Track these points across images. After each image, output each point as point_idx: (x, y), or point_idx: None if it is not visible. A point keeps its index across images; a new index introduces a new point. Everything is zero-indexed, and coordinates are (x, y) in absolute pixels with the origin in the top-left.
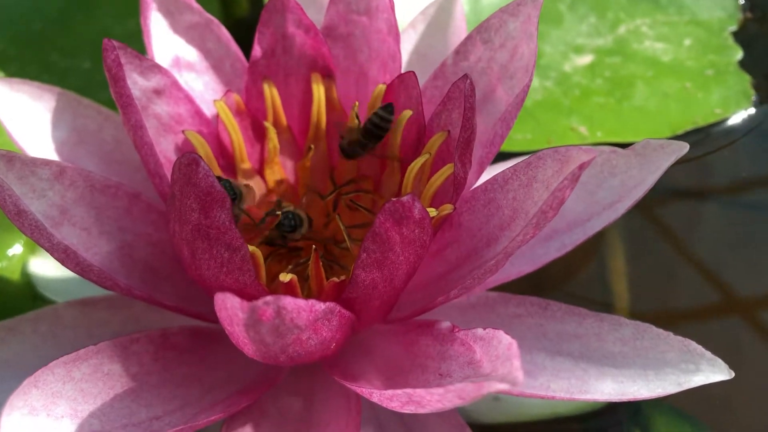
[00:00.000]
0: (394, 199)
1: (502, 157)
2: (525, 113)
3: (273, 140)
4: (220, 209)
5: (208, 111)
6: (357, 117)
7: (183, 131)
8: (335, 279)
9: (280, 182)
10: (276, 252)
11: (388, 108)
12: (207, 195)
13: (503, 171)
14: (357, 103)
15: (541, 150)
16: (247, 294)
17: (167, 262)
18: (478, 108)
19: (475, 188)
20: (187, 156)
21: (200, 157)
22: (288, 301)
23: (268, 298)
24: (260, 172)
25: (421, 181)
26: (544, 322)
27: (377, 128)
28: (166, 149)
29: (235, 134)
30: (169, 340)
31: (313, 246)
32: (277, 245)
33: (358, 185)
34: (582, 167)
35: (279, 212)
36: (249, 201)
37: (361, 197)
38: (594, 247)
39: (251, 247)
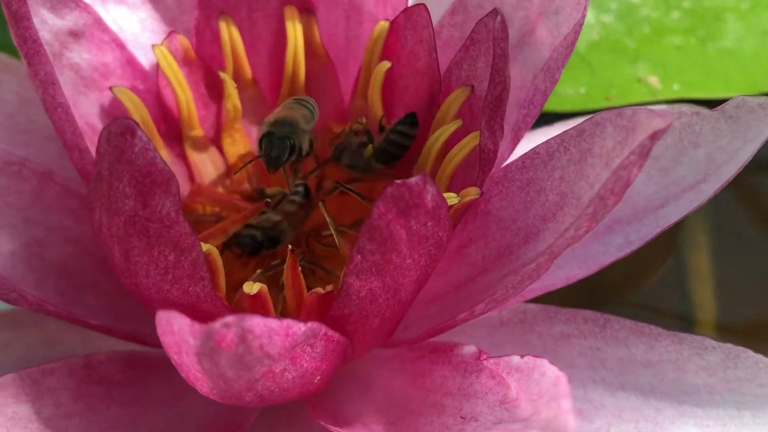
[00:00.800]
0: (398, 181)
1: (545, 120)
2: (576, 59)
3: (233, 98)
4: (164, 195)
5: (145, 60)
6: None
7: (110, 88)
8: (319, 290)
9: (244, 156)
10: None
11: (411, 120)
12: (146, 175)
13: (547, 141)
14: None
15: (599, 112)
16: (200, 311)
17: (91, 266)
18: (513, 54)
19: (509, 164)
20: (118, 123)
21: (136, 123)
22: (256, 322)
23: (229, 318)
24: (216, 141)
25: (435, 155)
26: (603, 346)
27: (397, 148)
28: (87, 112)
29: (182, 91)
30: (95, 371)
31: (289, 245)
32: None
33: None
34: (654, 137)
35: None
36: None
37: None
38: (670, 242)
39: (205, 246)
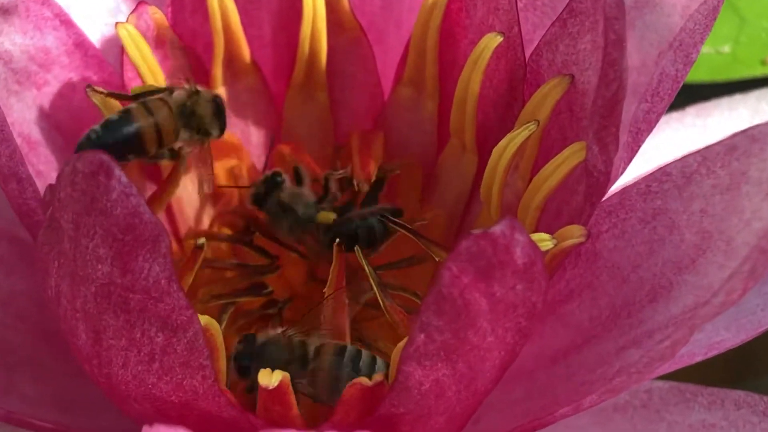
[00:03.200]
0: (475, 231)
1: None
2: None
3: (219, 92)
4: (151, 256)
5: (103, 41)
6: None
7: (86, 88)
8: (364, 380)
9: (233, 170)
10: (239, 311)
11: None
12: (126, 231)
13: (683, 159)
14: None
15: (756, 126)
16: (197, 410)
17: (28, 338)
18: (628, 20)
19: (626, 188)
20: (87, 159)
21: (111, 158)
22: None
23: None
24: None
25: (520, 174)
26: None
27: (366, 238)
28: (20, 119)
29: (155, 83)
30: None
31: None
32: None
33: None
34: None
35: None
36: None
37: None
38: None
39: (203, 319)
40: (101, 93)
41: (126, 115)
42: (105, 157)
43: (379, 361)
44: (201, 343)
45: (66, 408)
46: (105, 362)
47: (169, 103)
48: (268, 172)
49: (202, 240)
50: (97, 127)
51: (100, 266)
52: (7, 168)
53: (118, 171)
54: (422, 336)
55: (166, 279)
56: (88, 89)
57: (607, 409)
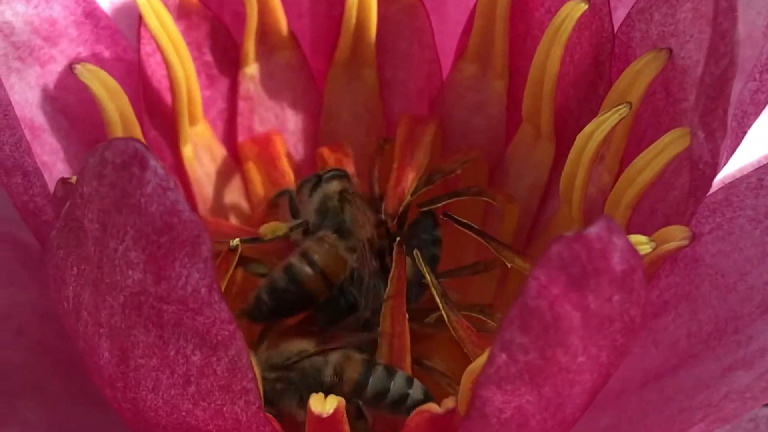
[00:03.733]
0: (567, 234)
1: None
2: None
3: (251, 70)
4: (190, 261)
5: (116, 10)
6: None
7: (71, 66)
8: (433, 407)
9: (272, 164)
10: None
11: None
12: (162, 231)
13: None
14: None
15: None
16: None
17: (31, 362)
18: None
19: (734, 183)
20: (118, 147)
21: (146, 147)
22: None
23: None
24: (229, 140)
25: (606, 166)
26: None
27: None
28: (23, 101)
29: (178, 60)
30: None
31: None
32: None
33: (450, 180)
34: None
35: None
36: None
37: (455, 206)
38: None
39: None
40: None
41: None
42: (139, 145)
43: (416, 384)
44: (245, 364)
45: None
46: (132, 385)
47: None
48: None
49: (236, 241)
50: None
51: (130, 272)
52: (11, 159)
53: (153, 161)
54: (504, 356)
55: (206, 288)
56: (76, 68)
57: None
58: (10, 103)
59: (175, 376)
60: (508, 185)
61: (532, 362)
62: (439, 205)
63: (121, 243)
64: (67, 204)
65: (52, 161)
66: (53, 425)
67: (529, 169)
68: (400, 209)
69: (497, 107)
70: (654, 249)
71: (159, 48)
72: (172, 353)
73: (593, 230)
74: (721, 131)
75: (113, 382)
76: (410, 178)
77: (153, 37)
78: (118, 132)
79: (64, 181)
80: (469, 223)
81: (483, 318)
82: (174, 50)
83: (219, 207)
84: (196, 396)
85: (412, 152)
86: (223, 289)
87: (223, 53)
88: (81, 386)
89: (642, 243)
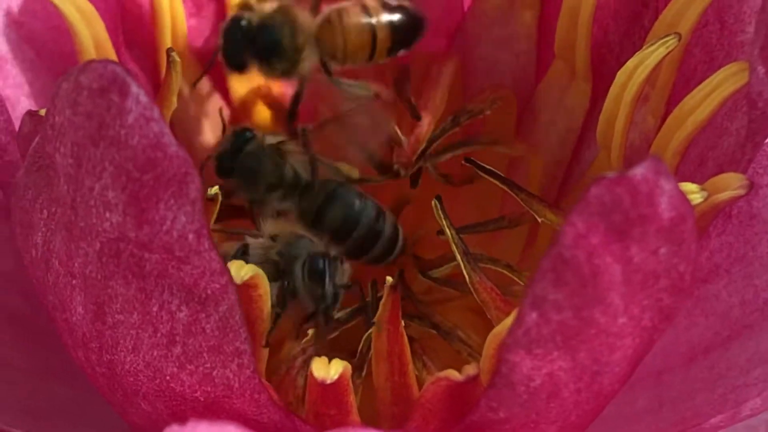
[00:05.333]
0: (609, 174)
1: None
2: None
3: None
4: (176, 202)
5: None
6: None
7: None
8: (453, 374)
9: (261, 93)
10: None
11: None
12: (146, 167)
13: None
14: None
15: None
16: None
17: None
18: None
19: None
20: (94, 70)
21: (125, 71)
22: None
23: None
24: (215, 75)
25: (650, 108)
26: None
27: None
28: None
29: None
30: None
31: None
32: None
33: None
34: None
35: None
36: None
37: (476, 155)
38: None
39: (248, 269)
40: None
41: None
42: (119, 69)
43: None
44: (237, 321)
45: (41, 416)
46: (108, 346)
47: None
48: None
49: (214, 189)
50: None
51: (108, 215)
52: None
53: (135, 87)
54: (534, 314)
55: (194, 233)
56: None
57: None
58: None
59: (158, 334)
60: (538, 130)
61: (566, 322)
62: (458, 152)
63: (98, 181)
64: (36, 139)
65: (16, 95)
66: (18, 401)
67: (561, 112)
68: (414, 159)
69: (526, 42)
70: (705, 199)
71: None
72: (154, 309)
73: (638, 171)
74: None
75: (87, 342)
76: (426, 123)
77: None
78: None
79: (31, 115)
80: (494, 170)
81: (509, 274)
82: None
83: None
84: (182, 358)
85: (428, 94)
86: None
87: None
88: (46, 359)
89: (692, 192)
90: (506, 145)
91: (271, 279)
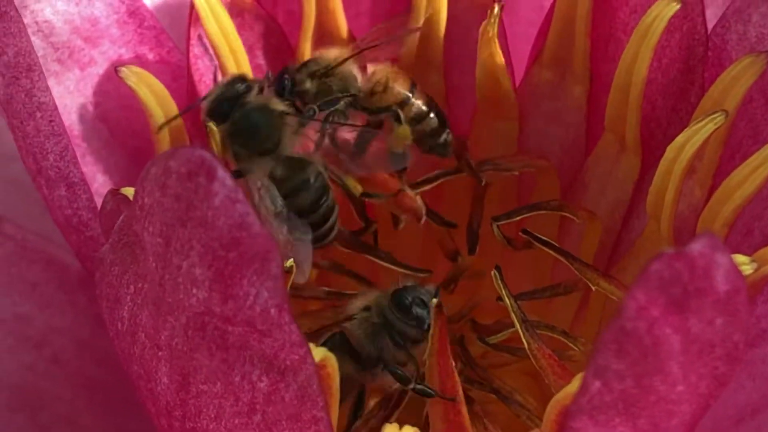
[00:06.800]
0: (667, 251)
1: None
2: None
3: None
4: (258, 279)
5: (160, 7)
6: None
7: (116, 69)
8: None
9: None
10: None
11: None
12: (230, 246)
13: None
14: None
15: None
16: None
17: (66, 394)
18: None
19: None
20: (183, 155)
21: (213, 155)
22: None
23: None
24: None
25: (698, 181)
26: None
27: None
28: (63, 108)
29: (235, 60)
30: None
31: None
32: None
33: (519, 186)
34: None
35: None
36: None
37: (529, 221)
38: None
39: (318, 353)
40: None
41: None
42: (206, 154)
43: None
44: (315, 390)
45: None
46: (192, 414)
47: None
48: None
49: (290, 262)
50: None
51: (195, 291)
52: (55, 169)
53: (221, 171)
54: (598, 383)
55: (276, 308)
56: (121, 71)
57: None
58: (56, 108)
59: (240, 403)
60: (587, 201)
61: (627, 390)
62: (516, 219)
63: (186, 259)
64: (123, 217)
65: (92, 172)
66: None
67: (611, 184)
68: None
69: (576, 115)
70: (755, 270)
71: (214, 51)
72: (237, 379)
73: (696, 247)
74: None
75: (171, 410)
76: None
77: (207, 39)
78: (165, 141)
79: (113, 193)
80: (550, 241)
81: (565, 340)
82: (231, 54)
83: None
84: (262, 425)
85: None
86: None
87: (275, 55)
88: (115, 423)
89: (743, 263)
90: (569, 212)
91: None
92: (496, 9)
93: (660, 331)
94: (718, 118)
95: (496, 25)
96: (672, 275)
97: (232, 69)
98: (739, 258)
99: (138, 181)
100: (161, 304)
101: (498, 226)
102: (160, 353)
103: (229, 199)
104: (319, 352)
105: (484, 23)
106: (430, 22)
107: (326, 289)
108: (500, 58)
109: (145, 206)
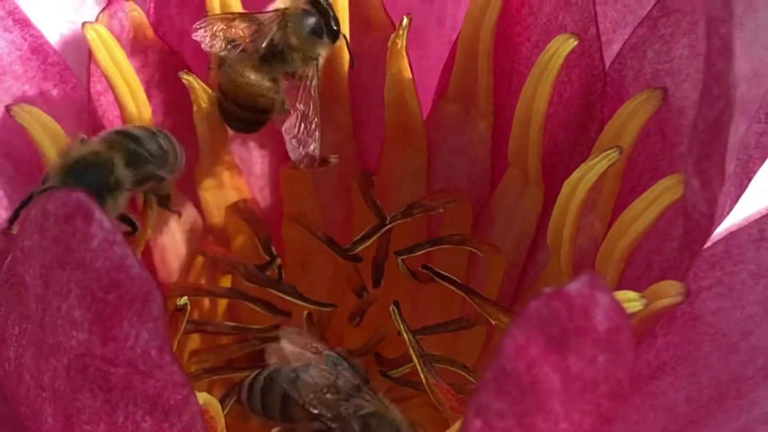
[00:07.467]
0: (547, 290)
1: None
2: None
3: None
4: (139, 320)
5: (65, 44)
6: None
7: (7, 107)
8: None
9: (237, 208)
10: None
11: None
12: (109, 288)
13: None
14: None
15: None
16: None
17: None
18: (735, 23)
19: (733, 235)
20: (60, 198)
21: (91, 198)
22: None
23: None
24: (188, 186)
25: (597, 215)
26: None
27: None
28: None
29: (132, 102)
30: None
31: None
32: None
33: (429, 218)
34: None
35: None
36: None
37: (438, 253)
38: None
39: (202, 397)
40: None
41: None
42: (82, 196)
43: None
44: (200, 430)
45: None
46: None
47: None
48: None
49: (183, 300)
50: None
51: (74, 332)
52: None
53: (99, 213)
54: (479, 422)
55: (156, 349)
56: (12, 110)
57: None
58: None
59: None
60: (495, 233)
61: (509, 429)
62: (420, 252)
63: (65, 301)
64: (9, 258)
65: None
66: None
67: (516, 216)
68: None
69: (482, 149)
70: (645, 306)
71: (111, 87)
72: (120, 419)
73: (574, 286)
74: (718, 179)
75: None
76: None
77: (105, 76)
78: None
79: (3, 233)
80: (451, 276)
81: (465, 374)
82: (127, 88)
83: (175, 254)
84: None
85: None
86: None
87: (182, 92)
88: None
89: (632, 299)
90: (473, 246)
91: None
92: (405, 21)
93: (539, 370)
94: (612, 155)
95: (404, 38)
96: (550, 314)
97: (130, 104)
98: (629, 294)
99: (18, 223)
100: (43, 346)
101: (402, 260)
102: (44, 394)
103: (107, 241)
104: (201, 397)
105: (392, 35)
106: (335, 58)
107: (232, 324)
108: (408, 73)
109: (26, 248)
